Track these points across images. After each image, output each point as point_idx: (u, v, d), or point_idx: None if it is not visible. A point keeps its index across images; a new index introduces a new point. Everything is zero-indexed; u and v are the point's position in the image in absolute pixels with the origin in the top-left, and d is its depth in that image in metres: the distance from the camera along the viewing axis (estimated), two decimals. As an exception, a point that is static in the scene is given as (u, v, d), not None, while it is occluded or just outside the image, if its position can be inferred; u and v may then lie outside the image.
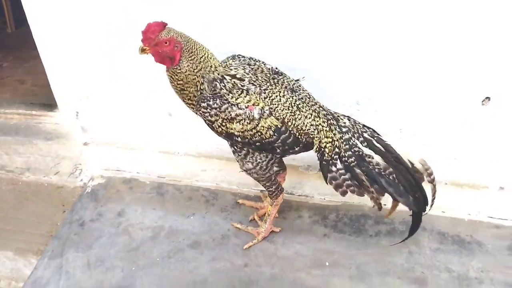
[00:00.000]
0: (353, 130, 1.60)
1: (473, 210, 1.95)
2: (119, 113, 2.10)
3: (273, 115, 1.47)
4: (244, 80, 1.48)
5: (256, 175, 1.66)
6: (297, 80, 1.63)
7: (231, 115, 1.45)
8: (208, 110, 1.46)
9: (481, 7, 1.50)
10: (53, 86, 2.10)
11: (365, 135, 1.61)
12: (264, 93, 1.48)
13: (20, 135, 2.33)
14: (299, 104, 1.53)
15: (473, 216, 1.95)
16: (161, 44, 1.38)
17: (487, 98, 1.70)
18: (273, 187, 1.73)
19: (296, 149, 1.55)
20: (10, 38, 3.52)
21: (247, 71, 1.51)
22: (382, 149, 1.58)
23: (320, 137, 1.55)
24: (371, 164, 1.57)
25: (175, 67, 1.43)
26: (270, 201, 1.81)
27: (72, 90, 2.08)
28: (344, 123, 1.61)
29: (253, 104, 1.45)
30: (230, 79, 1.47)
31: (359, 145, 1.59)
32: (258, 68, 1.53)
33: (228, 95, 1.45)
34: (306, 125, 1.53)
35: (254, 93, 1.46)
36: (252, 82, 1.48)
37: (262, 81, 1.50)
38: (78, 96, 2.10)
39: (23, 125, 2.38)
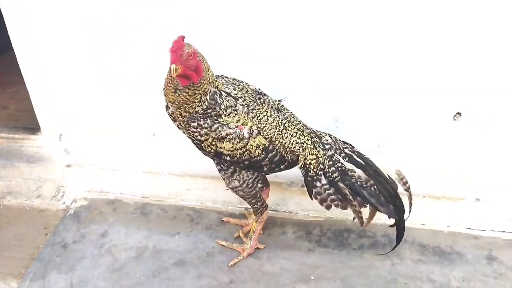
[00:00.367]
0: (335, 146, 1.68)
1: (452, 222, 2.01)
2: (103, 134, 2.11)
3: (261, 134, 1.51)
4: (238, 100, 1.51)
5: (242, 193, 1.69)
6: (280, 100, 1.70)
7: (221, 134, 1.47)
8: (198, 129, 1.46)
9: (452, 28, 1.60)
10: (36, 109, 2.11)
11: (346, 150, 1.69)
12: (252, 112, 1.52)
13: (2, 159, 2.31)
14: (285, 123, 1.58)
15: (452, 228, 2.00)
16: (188, 58, 1.34)
17: (458, 113, 1.79)
18: (258, 204, 1.76)
19: (282, 167, 1.60)
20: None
21: (237, 91, 1.54)
22: (363, 162, 1.66)
23: (305, 154, 1.61)
24: (353, 177, 1.64)
25: (200, 80, 1.40)
26: (255, 218, 1.83)
27: (56, 113, 2.10)
28: (327, 140, 1.69)
29: (242, 124, 1.48)
30: (226, 96, 1.49)
31: (341, 160, 1.66)
32: (243, 88, 1.58)
33: (223, 113, 1.45)
34: (292, 143, 1.58)
35: (242, 112, 1.50)
36: (243, 102, 1.52)
37: (250, 101, 1.54)
38: (61, 119, 2.11)
39: (5, 148, 2.36)
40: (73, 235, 2.02)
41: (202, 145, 1.50)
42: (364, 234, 1.98)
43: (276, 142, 1.54)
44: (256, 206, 1.77)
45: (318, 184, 1.64)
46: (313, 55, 1.74)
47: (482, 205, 1.97)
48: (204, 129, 1.46)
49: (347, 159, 1.66)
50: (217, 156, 1.53)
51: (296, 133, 1.60)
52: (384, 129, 1.87)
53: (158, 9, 1.73)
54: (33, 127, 2.36)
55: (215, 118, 1.46)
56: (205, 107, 1.45)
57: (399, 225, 1.70)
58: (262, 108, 1.55)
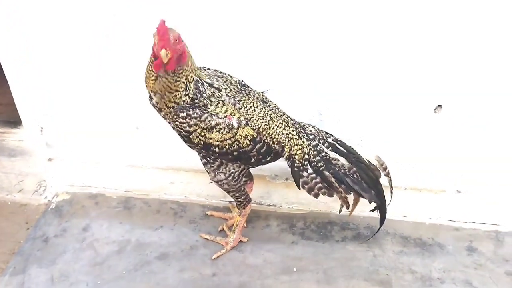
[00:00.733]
0: (318, 136, 1.70)
1: (434, 214, 2.03)
2: (85, 127, 2.08)
3: (249, 125, 1.51)
4: (221, 91, 1.50)
5: (227, 186, 1.69)
6: (263, 92, 1.70)
7: (211, 124, 1.45)
8: (187, 120, 1.43)
9: (432, 21, 1.61)
10: (17, 102, 2.07)
11: (329, 140, 1.72)
12: (239, 104, 1.51)
13: (-18, 153, 2.27)
14: (271, 114, 1.59)
15: (434, 220, 2.03)
16: (175, 43, 1.30)
17: (439, 106, 1.81)
18: (242, 197, 1.76)
19: (268, 158, 1.60)
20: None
21: (220, 82, 1.54)
22: (345, 151, 1.70)
23: (291, 145, 1.61)
24: (337, 166, 1.67)
25: (182, 65, 1.37)
26: (239, 211, 1.83)
27: (37, 106, 2.06)
28: (310, 130, 1.71)
29: (230, 114, 1.48)
30: (208, 87, 1.48)
31: (325, 149, 1.68)
32: (227, 80, 1.57)
33: (208, 103, 1.44)
34: (278, 134, 1.59)
35: (229, 103, 1.50)
36: (227, 93, 1.51)
37: (235, 93, 1.54)
38: (43, 112, 2.07)
39: (-14, 142, 2.33)
40: (55, 229, 1.99)
41: (191, 136, 1.47)
42: (347, 227, 1.99)
43: (264, 132, 1.55)
44: (239, 199, 1.77)
45: (305, 173, 1.65)
46: (296, 49, 1.74)
47: (463, 197, 1.99)
48: (194, 119, 1.43)
49: (330, 148, 1.69)
50: (205, 148, 1.51)
51: (282, 124, 1.61)
52: (366, 122, 1.88)
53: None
54: (14, 121, 2.33)
55: (204, 108, 1.45)
56: (192, 96, 1.43)
57: (382, 210, 1.73)
58: (248, 99, 1.56)
